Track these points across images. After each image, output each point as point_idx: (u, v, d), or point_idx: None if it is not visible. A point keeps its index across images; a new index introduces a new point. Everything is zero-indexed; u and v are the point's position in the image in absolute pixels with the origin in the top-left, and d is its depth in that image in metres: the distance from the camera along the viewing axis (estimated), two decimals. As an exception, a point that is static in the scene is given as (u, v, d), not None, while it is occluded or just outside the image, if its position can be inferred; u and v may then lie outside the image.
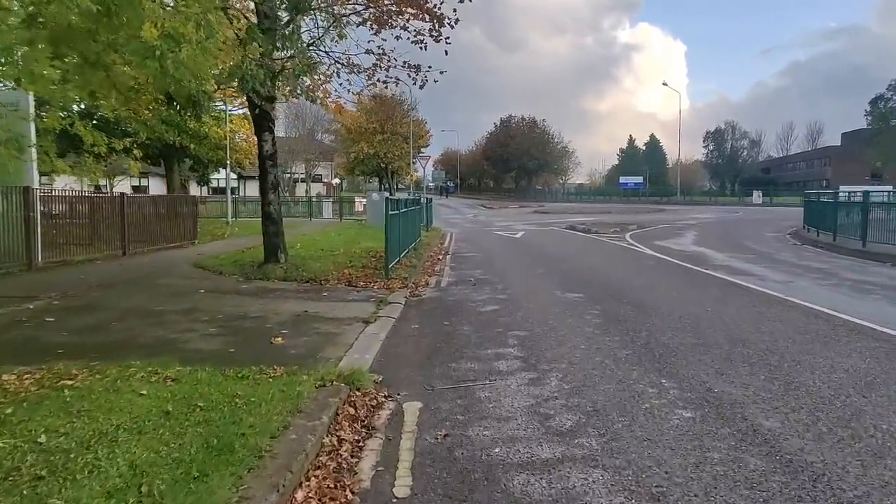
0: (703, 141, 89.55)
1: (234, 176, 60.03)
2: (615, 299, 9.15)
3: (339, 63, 11.43)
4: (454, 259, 15.27)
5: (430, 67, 12.06)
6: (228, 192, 27.43)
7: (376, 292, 9.74)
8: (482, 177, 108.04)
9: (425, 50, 11.60)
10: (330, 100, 11.35)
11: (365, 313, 8.07)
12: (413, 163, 61.32)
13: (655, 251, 16.44)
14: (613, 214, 39.23)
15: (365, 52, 11.38)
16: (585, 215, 38.05)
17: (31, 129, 11.17)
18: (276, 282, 10.70)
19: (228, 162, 26.41)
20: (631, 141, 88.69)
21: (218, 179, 58.50)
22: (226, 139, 25.77)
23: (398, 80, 11.75)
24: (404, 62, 11.85)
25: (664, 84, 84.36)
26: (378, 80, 11.78)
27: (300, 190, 61.73)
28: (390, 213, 10.76)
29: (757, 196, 55.12)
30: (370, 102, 62.92)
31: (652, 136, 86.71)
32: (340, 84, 11.92)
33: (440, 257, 15.52)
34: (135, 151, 20.86)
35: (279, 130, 66.10)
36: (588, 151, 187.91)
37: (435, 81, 12.17)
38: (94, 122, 20.39)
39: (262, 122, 11.58)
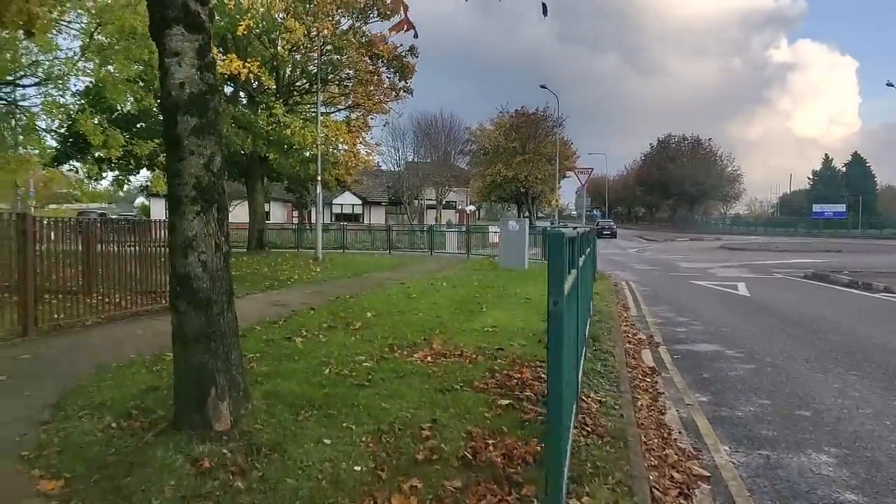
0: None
1: (359, 201, 55.03)
2: None
3: None
4: (692, 376, 6.62)
5: None
6: (319, 216, 20.54)
7: None
8: (633, 204, 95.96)
9: None
10: None
11: None
12: (559, 187, 52.62)
13: None
14: (846, 255, 27.71)
15: None
16: (796, 254, 27.29)
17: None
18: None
19: (319, 178, 19.68)
20: (827, 161, 72.08)
21: (342, 204, 53.78)
22: (315, 147, 19.11)
23: None
24: None
25: (888, 84, 63.67)
26: None
27: (430, 218, 55.31)
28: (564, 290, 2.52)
29: None
30: (510, 120, 55.69)
31: (855, 155, 69.71)
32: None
33: (648, 370, 6.88)
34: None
35: (407, 151, 60.12)
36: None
37: None
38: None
39: (169, 4, 3.92)
